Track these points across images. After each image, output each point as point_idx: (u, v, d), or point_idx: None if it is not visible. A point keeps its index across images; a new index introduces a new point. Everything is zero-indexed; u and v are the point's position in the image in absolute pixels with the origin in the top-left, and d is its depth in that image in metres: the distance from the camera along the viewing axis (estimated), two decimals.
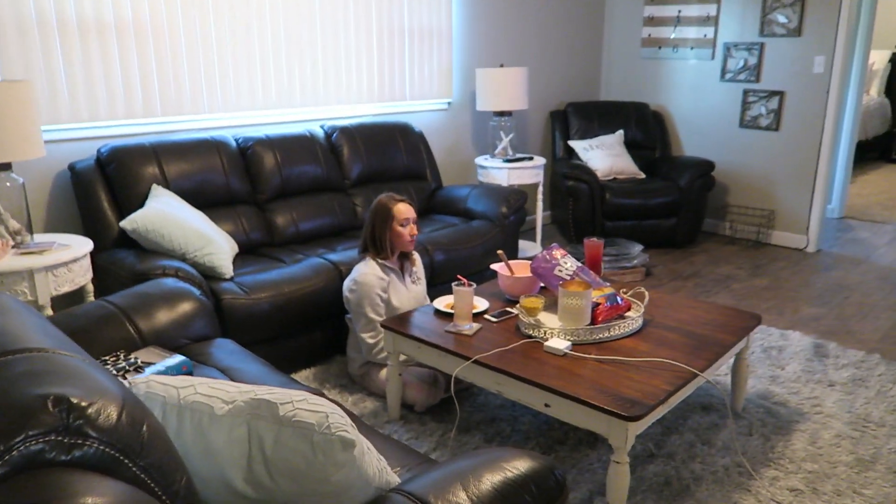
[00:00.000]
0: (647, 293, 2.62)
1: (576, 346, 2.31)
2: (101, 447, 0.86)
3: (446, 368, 2.38)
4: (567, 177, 4.76)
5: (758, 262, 4.68)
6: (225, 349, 2.18)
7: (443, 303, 2.66)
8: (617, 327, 2.38)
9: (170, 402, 1.17)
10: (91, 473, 0.84)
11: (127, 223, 2.73)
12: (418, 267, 2.99)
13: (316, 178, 3.63)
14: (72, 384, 0.89)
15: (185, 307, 2.24)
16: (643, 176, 5.12)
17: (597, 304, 2.43)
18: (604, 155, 5.05)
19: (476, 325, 2.48)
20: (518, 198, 3.91)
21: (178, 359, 1.98)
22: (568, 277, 2.56)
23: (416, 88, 4.39)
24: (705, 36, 5.16)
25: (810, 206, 4.89)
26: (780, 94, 4.86)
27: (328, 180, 3.69)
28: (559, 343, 2.28)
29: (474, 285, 2.46)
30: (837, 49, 4.56)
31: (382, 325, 2.56)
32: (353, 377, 2.92)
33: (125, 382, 1.23)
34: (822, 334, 3.47)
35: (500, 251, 2.77)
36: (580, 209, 4.76)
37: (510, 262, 2.82)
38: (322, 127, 3.86)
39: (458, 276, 2.54)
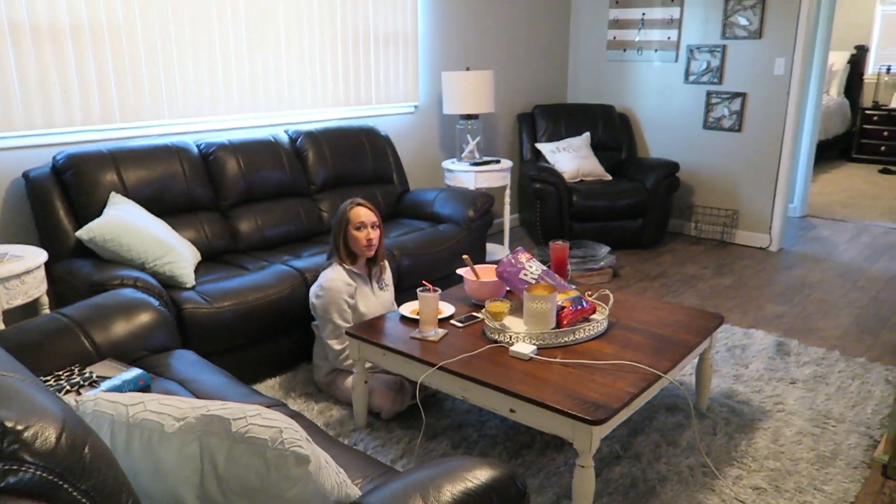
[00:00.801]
0: (611, 295, 2.63)
1: (541, 349, 2.31)
2: (39, 472, 0.83)
3: (412, 375, 2.36)
4: (534, 179, 4.78)
5: (722, 262, 4.74)
6: (184, 360, 2.14)
7: (408, 309, 2.65)
8: (582, 330, 2.39)
9: (118, 420, 1.13)
10: (27, 500, 0.81)
11: (83, 232, 2.66)
12: (387, 274, 2.96)
13: (281, 184, 3.59)
14: (6, 406, 0.85)
15: (144, 318, 2.19)
16: (610, 177, 5.16)
17: (562, 308, 2.43)
18: (571, 157, 5.08)
19: (442, 331, 2.46)
20: (485, 201, 3.91)
21: (134, 372, 1.93)
22: (533, 281, 2.57)
23: (382, 92, 4.37)
24: (669, 38, 5.22)
25: (773, 205, 4.97)
26: (743, 95, 4.94)
27: (293, 186, 3.65)
28: (524, 347, 2.28)
29: (439, 291, 2.45)
30: (797, 51, 4.65)
31: (347, 333, 2.53)
32: (320, 385, 2.89)
33: (74, 400, 1.19)
34: (784, 332, 3.52)
35: (465, 255, 2.77)
36: (548, 211, 4.78)
37: (476, 266, 2.81)
38: (287, 132, 3.82)
39: (424, 282, 2.52)
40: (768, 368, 3.09)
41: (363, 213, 2.73)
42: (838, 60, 8.61)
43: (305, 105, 3.97)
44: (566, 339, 2.36)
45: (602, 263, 4.31)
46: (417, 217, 4.01)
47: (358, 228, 2.71)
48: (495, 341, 2.38)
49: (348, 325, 2.71)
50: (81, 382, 1.88)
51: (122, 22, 3.15)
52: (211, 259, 3.25)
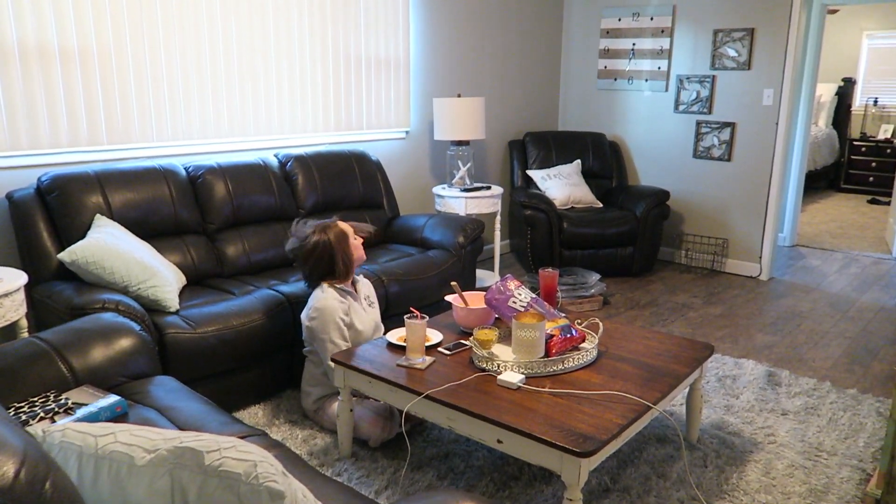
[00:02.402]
0: (601, 324, 2.60)
1: (529, 378, 2.27)
2: None
3: (398, 404, 2.32)
4: (525, 206, 4.78)
5: (712, 290, 4.73)
6: (165, 387, 2.09)
7: (395, 335, 2.61)
8: (571, 359, 2.36)
9: (86, 451, 1.09)
10: None
11: (66, 255, 2.62)
12: (369, 290, 2.93)
13: (269, 208, 3.56)
14: None
15: (123, 343, 2.14)
16: (600, 205, 5.16)
17: (551, 336, 2.40)
18: (562, 184, 5.08)
19: (429, 359, 2.42)
20: (475, 227, 3.89)
21: (111, 399, 1.88)
22: (522, 309, 2.54)
23: (373, 117, 4.37)
24: (659, 68, 5.27)
25: (763, 234, 4.98)
26: (732, 125, 4.97)
27: (282, 209, 3.62)
28: (512, 376, 2.24)
29: (427, 318, 2.41)
30: (785, 82, 4.69)
31: (332, 360, 2.49)
32: (307, 412, 2.83)
33: (41, 430, 1.15)
34: (775, 362, 3.50)
35: (453, 282, 2.74)
36: (538, 238, 4.77)
37: (465, 293, 2.78)
38: (276, 155, 3.80)
39: (411, 309, 2.49)
40: (759, 399, 3.06)
41: (344, 225, 2.80)
42: (826, 92, 8.73)
43: (295, 129, 3.96)
44: (555, 368, 2.32)
45: (592, 291, 4.29)
46: (407, 243, 3.99)
47: (356, 238, 2.74)
48: (483, 370, 2.34)
49: (349, 345, 2.67)
50: (56, 409, 1.82)
51: (112, 44, 3.14)
52: (197, 283, 3.20)
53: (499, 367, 2.31)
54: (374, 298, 2.94)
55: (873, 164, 8.62)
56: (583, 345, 2.50)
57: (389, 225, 4.12)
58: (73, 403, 1.85)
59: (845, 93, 8.85)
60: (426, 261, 3.62)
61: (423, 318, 2.40)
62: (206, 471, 1.04)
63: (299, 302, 2.97)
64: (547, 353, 2.37)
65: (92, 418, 1.82)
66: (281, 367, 3.01)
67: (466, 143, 4.47)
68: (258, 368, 2.93)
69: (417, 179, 4.81)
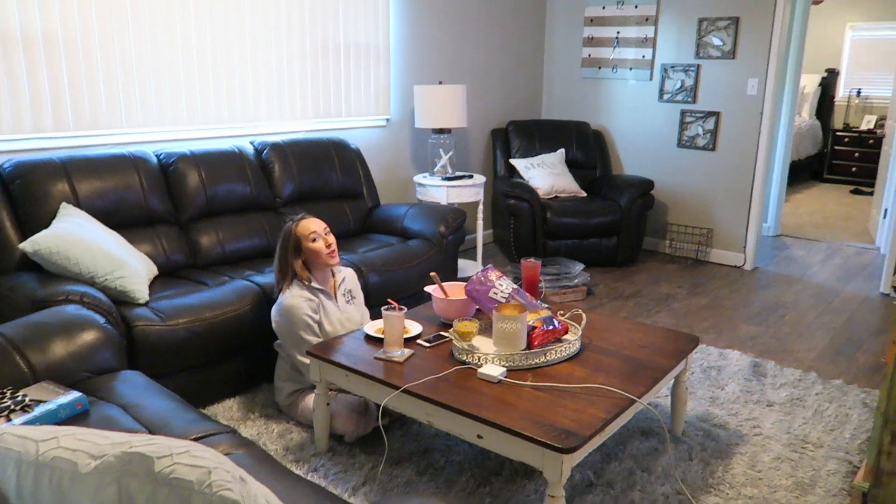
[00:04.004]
0: (584, 315, 2.54)
1: (511, 371, 2.20)
2: None
3: (376, 398, 2.24)
4: (508, 195, 4.70)
5: (697, 281, 4.69)
6: (130, 383, 2.00)
7: (373, 327, 2.53)
8: (553, 352, 2.29)
9: (26, 458, 1.00)
10: None
11: (28, 245, 2.51)
12: (352, 284, 2.84)
13: (244, 197, 3.45)
14: None
15: (87, 337, 2.05)
16: (584, 194, 5.10)
17: (533, 328, 2.34)
18: (545, 174, 5.01)
19: (408, 352, 2.35)
20: (457, 217, 3.81)
21: (72, 396, 1.79)
22: (503, 300, 2.47)
23: (352, 105, 4.27)
24: (643, 57, 5.20)
25: (747, 224, 4.95)
26: (716, 114, 4.93)
27: (258, 199, 3.52)
28: (493, 370, 2.17)
29: (405, 309, 2.34)
30: (770, 71, 4.65)
31: (308, 352, 2.41)
32: (281, 407, 2.75)
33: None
34: (760, 353, 3.46)
35: (433, 273, 2.66)
36: (521, 228, 4.70)
37: (445, 283, 2.71)
38: (252, 143, 3.70)
39: (389, 300, 2.41)
40: (744, 390, 3.02)
41: (312, 224, 2.62)
42: (809, 83, 8.72)
43: (272, 116, 3.86)
44: (537, 360, 2.26)
45: (576, 281, 4.23)
46: (387, 232, 3.90)
47: (313, 240, 2.59)
48: (463, 362, 2.27)
49: (319, 339, 2.58)
50: (13, 406, 1.73)
51: (78, 26, 3.02)
52: (168, 274, 3.10)
53: (479, 359, 2.24)
54: (357, 292, 2.85)
55: (856, 155, 8.64)
56: (565, 337, 2.44)
57: (369, 214, 4.03)
58: (30, 401, 1.76)
59: (829, 84, 8.85)
60: (407, 251, 3.54)
61: (401, 309, 2.32)
62: (155, 479, 0.95)
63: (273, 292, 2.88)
64: (529, 346, 2.30)
65: (50, 416, 1.73)
66: (257, 359, 2.92)
67: (448, 131, 4.39)
68: (233, 362, 2.84)
69: (398, 168, 4.72)
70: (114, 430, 1.72)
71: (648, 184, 4.89)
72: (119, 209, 2.99)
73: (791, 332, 3.78)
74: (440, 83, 4.39)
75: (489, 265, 2.59)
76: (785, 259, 5.28)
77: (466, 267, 4.49)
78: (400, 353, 2.32)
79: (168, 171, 3.24)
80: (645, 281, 4.67)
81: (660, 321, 3.92)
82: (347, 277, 2.82)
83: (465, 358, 2.27)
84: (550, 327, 2.37)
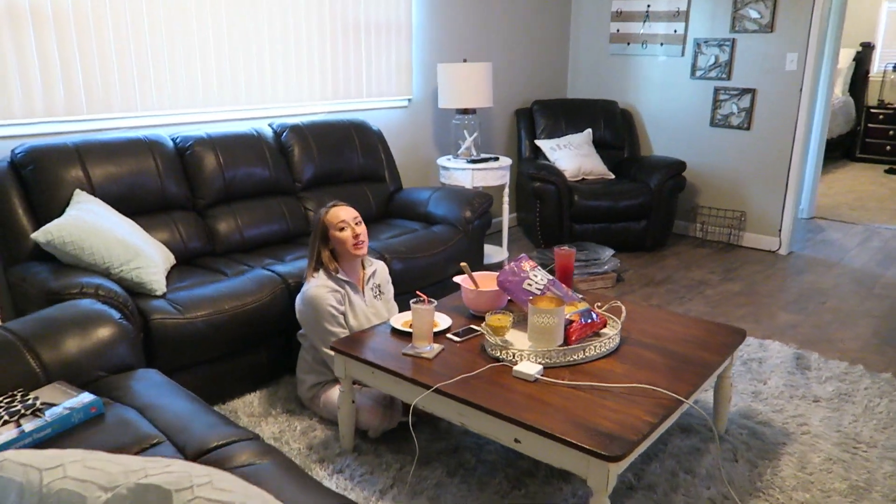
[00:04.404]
0: (623, 308, 2.39)
1: (547, 369, 2.08)
2: None
3: (404, 397, 2.13)
4: (534, 178, 4.54)
5: (730, 266, 4.52)
6: (147, 382, 1.90)
7: (400, 320, 2.41)
8: (592, 347, 2.16)
9: (29, 489, 0.89)
10: None
11: (40, 234, 2.41)
12: (381, 278, 2.72)
13: (263, 181, 3.33)
14: None
15: (102, 333, 1.94)
16: (612, 176, 4.93)
17: (570, 322, 2.20)
18: (572, 155, 4.84)
19: (437, 347, 2.23)
20: (483, 201, 3.67)
21: (85, 399, 1.69)
22: (538, 292, 2.33)
23: (373, 85, 4.12)
24: (675, 32, 4.99)
25: (783, 207, 4.75)
26: (752, 91, 4.71)
27: (277, 183, 3.40)
28: (529, 367, 2.04)
29: (434, 302, 2.21)
30: (810, 45, 4.42)
31: (332, 348, 2.29)
32: (303, 400, 2.65)
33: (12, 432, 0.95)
34: (801, 344, 3.30)
35: (463, 263, 2.53)
36: (547, 212, 4.55)
37: (475, 273, 2.57)
38: (271, 125, 3.57)
39: (417, 293, 2.29)
40: (788, 384, 2.87)
41: (342, 212, 2.50)
42: (843, 58, 8.41)
43: (291, 98, 3.72)
44: (575, 357, 2.13)
45: (606, 268, 4.08)
46: (410, 218, 3.77)
47: (341, 229, 2.47)
48: (497, 359, 2.14)
49: (345, 331, 2.47)
50: (23, 411, 1.63)
51: (90, 4, 2.89)
52: (186, 262, 3.00)
53: (514, 356, 2.12)
54: (387, 287, 2.73)
55: (891, 133, 8.34)
56: (604, 330, 2.30)
57: (391, 199, 3.90)
58: (42, 404, 1.66)
59: (863, 58, 8.52)
60: (431, 237, 3.41)
61: (430, 302, 2.19)
62: None
63: (296, 282, 2.77)
64: (566, 341, 2.17)
65: (63, 422, 1.63)
66: (278, 351, 2.82)
67: (473, 111, 4.22)
68: (253, 354, 2.74)
69: (421, 150, 4.57)
70: (130, 435, 1.62)
71: (680, 165, 4.71)
72: (134, 195, 2.88)
73: (832, 321, 3.62)
74: (465, 61, 4.22)
75: (522, 255, 2.45)
76: (821, 242, 5.08)
77: (492, 253, 4.35)
78: (429, 349, 2.20)
79: (184, 156, 3.12)
80: (676, 266, 4.51)
81: (694, 309, 3.76)
82: (378, 271, 2.70)
83: (498, 354, 2.15)
84: (588, 321, 2.24)
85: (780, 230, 4.79)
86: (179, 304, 2.48)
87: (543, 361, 2.10)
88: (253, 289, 2.67)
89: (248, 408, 2.66)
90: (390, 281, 2.77)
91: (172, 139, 3.14)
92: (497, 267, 4.32)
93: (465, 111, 4.20)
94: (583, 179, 4.83)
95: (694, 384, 2.03)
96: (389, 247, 3.20)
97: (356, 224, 2.50)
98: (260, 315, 2.65)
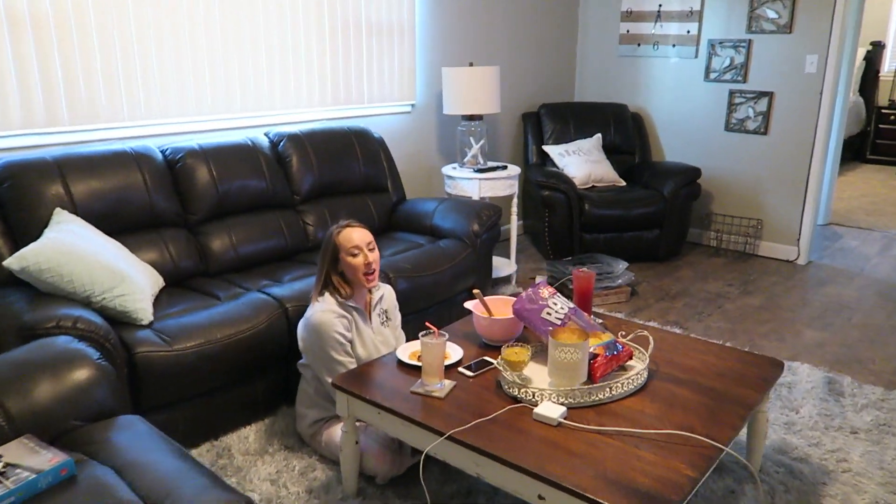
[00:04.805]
0: (650, 338, 2.20)
1: (571, 409, 1.88)
2: None
3: (414, 442, 1.93)
4: (542, 186, 4.35)
5: (748, 277, 4.33)
6: (129, 432, 1.70)
7: (407, 352, 2.21)
8: (619, 385, 1.96)
9: None
10: None
11: (14, 261, 2.20)
12: (389, 303, 2.52)
13: (259, 194, 3.14)
14: None
15: (78, 377, 1.74)
16: (623, 183, 4.74)
17: (594, 356, 2.01)
18: (581, 161, 4.65)
19: (448, 384, 2.03)
20: (492, 213, 3.47)
21: (55, 460, 1.49)
22: (559, 322, 2.13)
23: (375, 90, 3.92)
24: (688, 32, 4.79)
25: (801, 214, 4.56)
26: (769, 94, 4.52)
27: (274, 196, 3.20)
28: (551, 409, 1.85)
29: (446, 336, 2.02)
30: (831, 47, 4.23)
31: (333, 385, 2.10)
32: (303, 436, 2.46)
33: None
34: (831, 365, 3.11)
35: (476, 290, 2.33)
36: (557, 221, 4.35)
37: (488, 298, 2.38)
38: (267, 134, 3.37)
39: (427, 324, 2.09)
40: (822, 413, 2.67)
41: (356, 235, 2.29)
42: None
43: (288, 105, 3.52)
44: (601, 396, 1.94)
45: (619, 281, 3.89)
46: (414, 231, 3.57)
47: (353, 255, 2.27)
48: (515, 399, 1.95)
49: (353, 360, 2.28)
50: None
51: (72, 8, 2.69)
52: (177, 284, 2.80)
53: (534, 396, 1.92)
54: (394, 313, 2.53)
55: None
56: (630, 363, 2.11)
57: (394, 210, 3.70)
58: (5, 466, 1.46)
59: (873, 58, 8.33)
60: (437, 252, 3.21)
61: (441, 335, 2.00)
62: None
63: (295, 307, 2.57)
64: (590, 377, 1.98)
65: (29, 487, 1.44)
66: (275, 381, 2.63)
67: (479, 117, 4.03)
68: (249, 385, 2.54)
69: (425, 159, 4.37)
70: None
71: (694, 171, 4.51)
72: (120, 212, 2.68)
73: (861, 339, 3.42)
74: (471, 64, 4.02)
75: (540, 280, 2.26)
76: (840, 251, 4.89)
77: (500, 266, 4.16)
78: (440, 386, 2.01)
79: (175, 168, 2.92)
80: (691, 278, 4.31)
81: (713, 326, 3.57)
82: (386, 296, 2.49)
83: (516, 393, 1.95)
84: (613, 352, 2.04)
85: (798, 239, 4.60)
86: (167, 335, 2.29)
87: (567, 402, 1.91)
88: (248, 315, 2.48)
89: (242, 444, 2.46)
90: (398, 306, 2.57)
91: (162, 151, 2.94)
92: (506, 281, 4.13)
93: (471, 117, 4.00)
94: (593, 187, 4.64)
95: (735, 427, 1.84)
96: (393, 264, 3.01)
97: (370, 250, 2.30)
98: (256, 344, 2.45)
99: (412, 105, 4.20)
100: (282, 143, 3.32)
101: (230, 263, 2.98)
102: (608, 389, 1.95)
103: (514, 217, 4.16)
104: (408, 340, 2.45)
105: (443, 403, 1.95)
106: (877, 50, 8.31)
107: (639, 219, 4.41)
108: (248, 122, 3.41)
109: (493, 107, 3.94)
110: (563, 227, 4.36)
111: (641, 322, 3.51)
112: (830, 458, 2.39)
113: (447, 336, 2.03)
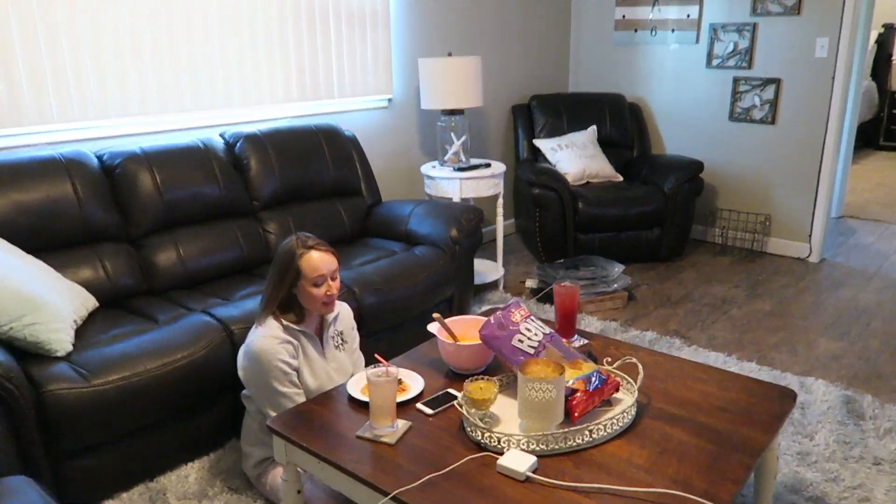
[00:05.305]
0: (639, 366, 1.89)
1: (543, 458, 1.58)
2: None
3: (357, 499, 1.64)
4: (532, 184, 4.04)
5: (756, 278, 4.01)
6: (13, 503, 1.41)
7: (358, 385, 1.92)
8: (601, 427, 1.66)
9: None
10: None
11: None
12: (344, 324, 2.21)
13: (213, 202, 2.84)
14: None
15: None
16: (620, 179, 4.42)
17: (572, 392, 1.71)
18: (575, 155, 4.33)
19: (402, 425, 1.73)
20: (472, 217, 3.17)
21: None
22: (531, 351, 1.83)
23: (346, 84, 3.61)
24: (688, 16, 4.45)
25: (813, 208, 4.23)
26: (777, 81, 4.18)
27: (230, 204, 2.91)
28: (519, 460, 1.55)
29: (397, 371, 1.72)
30: (843, 29, 3.89)
31: (268, 426, 1.80)
32: (249, 477, 2.17)
33: None
34: (849, 381, 2.80)
35: (436, 314, 2.02)
36: (548, 222, 4.04)
37: (451, 320, 2.08)
38: (222, 135, 3.07)
39: (377, 356, 1.79)
40: (840, 440, 2.36)
41: (321, 262, 1.97)
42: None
43: (249, 101, 3.22)
44: (579, 440, 1.63)
45: (615, 286, 3.58)
46: (390, 236, 3.28)
47: (316, 284, 1.97)
48: (478, 444, 1.65)
49: (299, 392, 1.99)
50: None
51: None
52: (114, 304, 2.52)
53: (500, 442, 1.62)
54: (351, 335, 2.22)
55: None
56: (616, 395, 1.81)
57: (369, 214, 3.41)
58: None
59: (885, 41, 7.95)
60: (411, 262, 2.92)
61: (391, 370, 1.70)
62: None
63: (242, 329, 2.28)
64: (567, 416, 1.68)
65: None
66: (223, 413, 2.34)
67: (460, 111, 3.71)
68: (190, 419, 2.25)
69: (405, 157, 4.06)
70: None
71: (697, 165, 4.19)
72: (47, 227, 2.40)
73: (882, 349, 3.10)
74: (449, 55, 3.70)
75: (513, 300, 1.95)
76: (854, 247, 4.56)
77: (485, 270, 3.86)
78: (392, 429, 1.71)
79: (113, 175, 2.64)
80: (695, 280, 4.00)
81: (718, 335, 3.26)
82: (341, 316, 2.18)
83: (479, 438, 1.65)
84: (595, 385, 1.74)
85: (810, 235, 4.27)
86: (86, 368, 2.00)
87: (538, 449, 1.61)
88: (184, 341, 2.18)
89: (181, 485, 2.17)
90: (355, 327, 2.27)
91: (98, 156, 2.65)
92: (492, 287, 3.82)
93: (451, 112, 3.69)
94: (587, 183, 4.32)
95: (739, 480, 1.53)
96: (361, 277, 2.71)
97: (333, 279, 2.00)
98: (193, 374, 2.16)
99: (389, 99, 3.89)
100: (238, 145, 3.02)
101: (178, 280, 2.69)
102: (588, 433, 1.64)
103: (500, 218, 3.85)
104: (367, 365, 2.15)
105: (393, 451, 1.65)
106: (889, 32, 7.93)
107: (638, 217, 4.10)
108: (201, 121, 3.11)
109: (475, 100, 3.63)
110: (555, 228, 4.05)
111: (638, 331, 3.23)
112: (851, 496, 2.08)
113: (398, 372, 1.73)
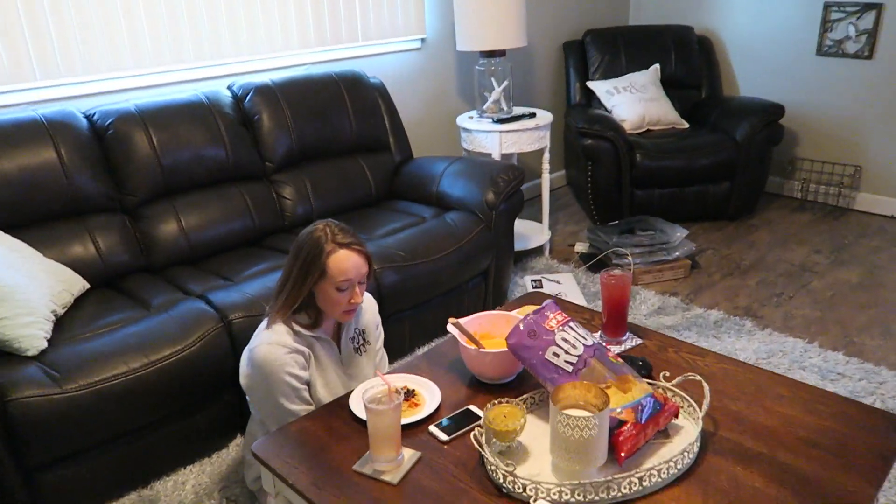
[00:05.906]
0: (706, 387, 1.52)
1: None
2: None
3: None
4: (584, 134, 3.59)
5: (840, 241, 3.51)
6: None
7: (363, 397, 1.61)
8: (654, 473, 1.32)
9: None
10: None
11: None
12: (367, 321, 1.89)
13: (218, 165, 2.55)
14: None
15: None
16: (686, 125, 3.93)
17: (618, 424, 1.36)
18: (634, 99, 3.85)
19: (409, 456, 1.43)
20: (511, 177, 2.78)
21: None
22: (569, 369, 1.48)
23: (372, 24, 3.20)
24: None
25: None
26: (878, 7, 3.56)
27: (238, 166, 2.60)
28: None
29: (402, 396, 1.40)
30: None
31: (253, 454, 1.53)
32: (250, 488, 1.93)
33: None
34: None
35: (452, 320, 1.68)
36: (602, 176, 3.61)
37: (470, 318, 1.74)
38: (230, 87, 2.75)
39: (377, 373, 1.48)
40: None
41: (350, 265, 1.63)
42: None
43: (258, 48, 2.86)
44: (625, 489, 1.30)
45: (677, 254, 3.16)
46: (419, 199, 2.93)
47: (341, 289, 1.64)
48: (498, 488, 1.34)
49: (306, 408, 1.71)
50: None
51: None
52: (109, 284, 2.28)
53: (526, 490, 1.30)
54: (375, 333, 1.90)
55: None
56: (676, 421, 1.46)
57: (397, 173, 3.06)
58: None
59: None
60: (441, 231, 2.58)
61: (396, 392, 1.39)
62: None
63: (242, 319, 2.01)
64: (612, 453, 1.34)
65: None
66: (225, 408, 2.09)
67: (502, 53, 3.27)
68: (183, 420, 2.01)
69: (438, 107, 3.66)
70: None
71: (776, 109, 3.65)
72: (27, 199, 2.15)
73: None
74: None
75: (548, 300, 1.59)
76: None
77: (528, 232, 3.48)
78: (397, 461, 1.41)
79: (105, 137, 2.36)
80: (768, 242, 3.53)
81: (796, 312, 2.83)
82: (363, 309, 1.86)
83: (501, 481, 1.34)
84: (648, 414, 1.39)
85: None
86: (59, 369, 1.76)
87: (574, 500, 1.28)
88: (174, 335, 1.92)
89: (176, 493, 1.96)
90: (380, 323, 1.94)
91: (87, 116, 2.37)
92: (535, 254, 3.45)
93: (491, 53, 3.25)
94: (647, 131, 3.85)
95: None
96: (383, 250, 2.39)
97: (360, 283, 1.68)
98: (184, 372, 1.91)
99: (422, 40, 3.46)
100: (248, 98, 2.69)
101: (181, 254, 2.43)
102: (638, 481, 1.30)
103: (546, 175, 3.43)
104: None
105: (395, 493, 1.36)
106: None
107: (704, 170, 3.62)
108: (205, 72, 2.78)
109: (519, 39, 3.17)
110: (609, 184, 3.62)
111: (701, 309, 2.78)
112: None
113: (402, 397, 1.41)
